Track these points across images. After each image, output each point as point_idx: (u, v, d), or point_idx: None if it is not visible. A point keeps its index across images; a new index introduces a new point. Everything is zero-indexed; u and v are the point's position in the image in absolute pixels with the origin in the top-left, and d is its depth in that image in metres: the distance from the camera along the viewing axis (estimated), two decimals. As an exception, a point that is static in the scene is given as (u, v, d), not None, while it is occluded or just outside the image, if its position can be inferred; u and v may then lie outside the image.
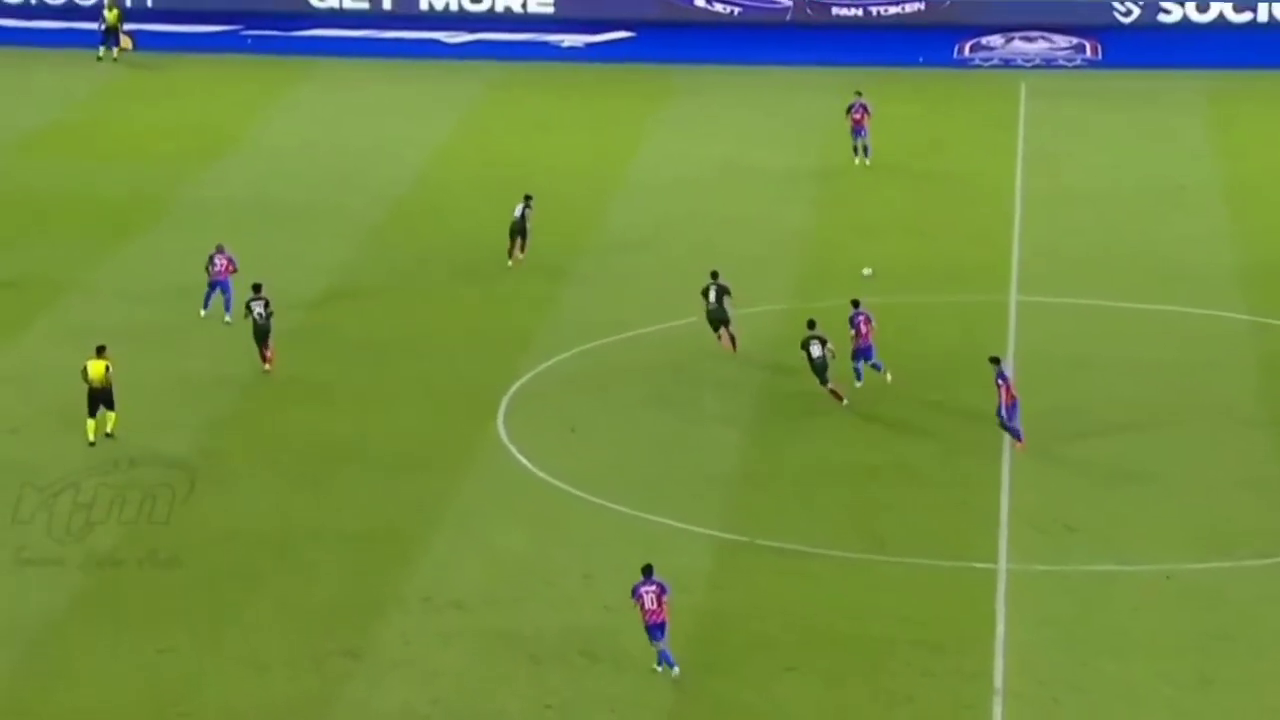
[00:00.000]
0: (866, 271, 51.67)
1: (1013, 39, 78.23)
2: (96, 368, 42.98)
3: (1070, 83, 74.27)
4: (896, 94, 70.45)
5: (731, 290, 47.83)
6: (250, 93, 71.85)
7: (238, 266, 49.92)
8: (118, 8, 75.42)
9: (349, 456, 42.70)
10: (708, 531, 39.26)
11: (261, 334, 46.99)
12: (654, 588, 34.31)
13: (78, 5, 79.75)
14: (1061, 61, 76.59)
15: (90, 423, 42.95)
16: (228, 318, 49.66)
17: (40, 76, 73.47)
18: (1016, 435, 42.21)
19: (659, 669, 34.14)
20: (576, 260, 54.82)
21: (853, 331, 45.89)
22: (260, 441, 43.55)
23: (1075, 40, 78.08)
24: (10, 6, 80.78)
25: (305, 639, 35.17)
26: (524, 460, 42.45)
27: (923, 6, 79.76)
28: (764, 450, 43.32)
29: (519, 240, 53.88)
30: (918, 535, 39.15)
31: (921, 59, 75.76)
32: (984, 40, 78.15)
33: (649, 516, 39.69)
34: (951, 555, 38.24)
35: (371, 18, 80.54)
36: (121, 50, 74.30)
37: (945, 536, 39.11)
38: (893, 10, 79.90)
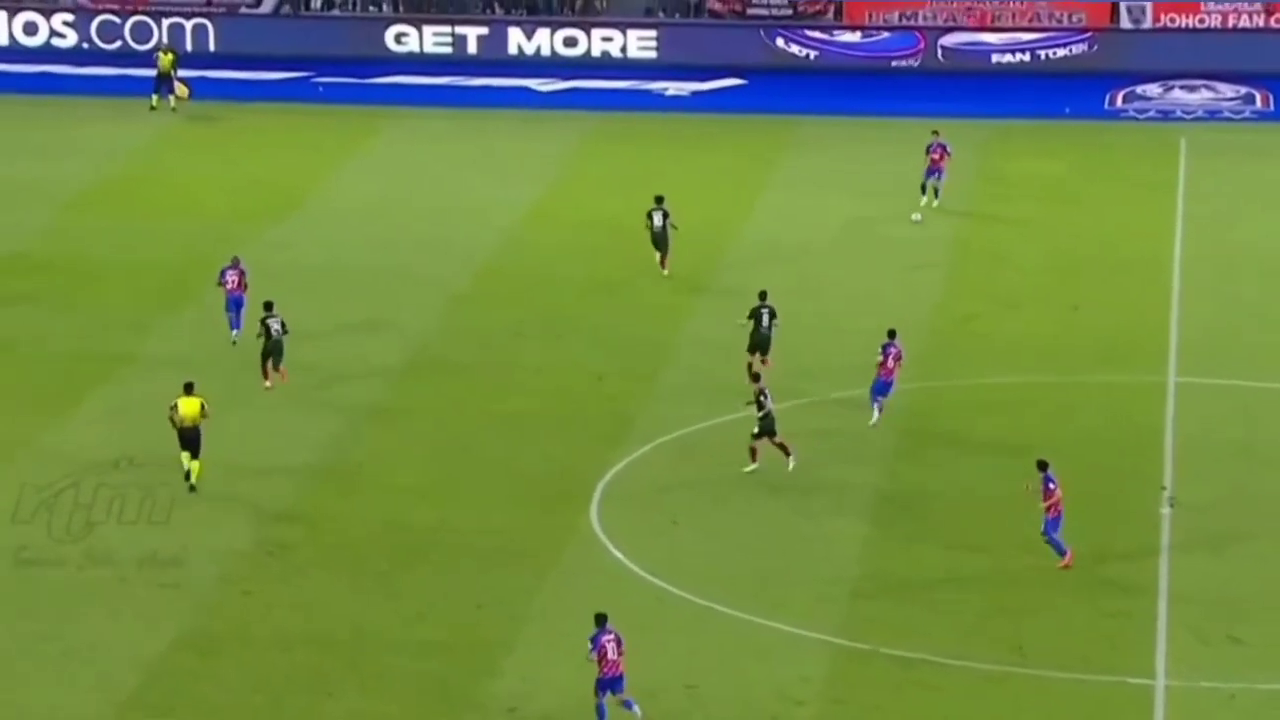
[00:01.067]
0: (916, 217, 52.04)
1: (1172, 88, 77.99)
2: (190, 405, 44.56)
3: (1237, 137, 73.91)
4: (1039, 149, 70.43)
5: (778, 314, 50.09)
6: (321, 146, 72.44)
7: (248, 282, 52.73)
8: (173, 52, 76.27)
9: (427, 550, 42.80)
10: (824, 638, 38.95)
11: (275, 350, 49.61)
12: (612, 636, 35.47)
13: (133, 50, 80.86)
14: (1227, 113, 76.24)
15: (191, 461, 44.59)
16: (235, 335, 52.42)
17: (91, 127, 74.34)
18: (1060, 550, 41.41)
19: None
20: (680, 333, 54.86)
21: (880, 359, 47.65)
22: (330, 532, 43.72)
23: (1243, 89, 77.76)
24: (60, 52, 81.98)
25: (375, 754, 35.30)
26: (619, 555, 42.44)
27: (1086, 48, 79.74)
28: (889, 547, 43.12)
29: (663, 252, 57.13)
30: (1063, 645, 38.78)
31: (1068, 110, 75.60)
32: (1139, 89, 77.93)
33: (759, 620, 39.45)
34: (1102, 668, 37.86)
35: (455, 64, 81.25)
36: (179, 99, 75.07)
37: (1095, 647, 38.74)
38: (1058, 53, 79.84)
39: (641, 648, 38.41)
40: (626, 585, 41.19)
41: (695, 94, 78.51)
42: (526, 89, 78.90)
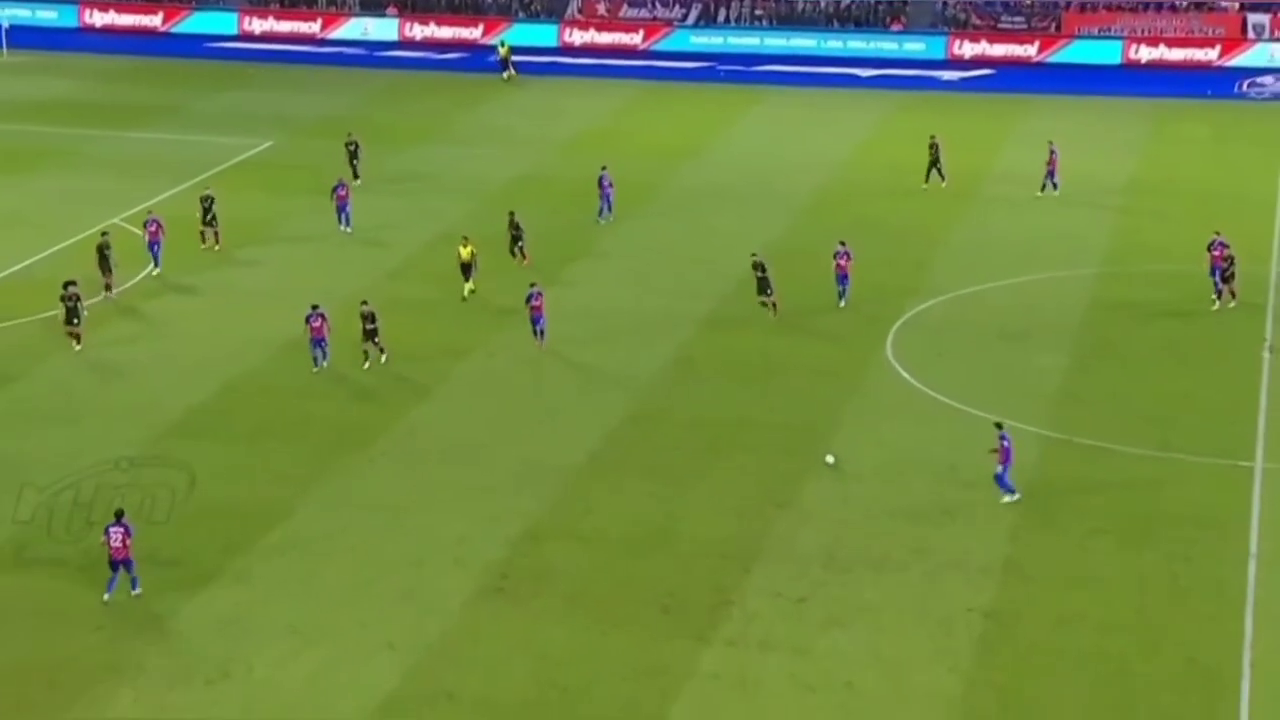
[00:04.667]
0: (829, 459, 37.34)
1: (1284, 77, 74.37)
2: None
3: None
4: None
5: None
6: (718, 113, 70.84)
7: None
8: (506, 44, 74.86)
9: (776, 370, 42.19)
10: (1038, 430, 38.25)
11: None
12: (121, 530, 29.72)
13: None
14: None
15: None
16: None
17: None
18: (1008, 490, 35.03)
19: (107, 598, 29.89)
20: (947, 232, 53.22)
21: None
22: (718, 356, 43.08)
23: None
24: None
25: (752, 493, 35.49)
26: (907, 375, 41.70)
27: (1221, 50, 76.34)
28: (1084, 374, 41.99)
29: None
30: (1197, 438, 37.82)
31: (1209, 91, 72.69)
32: (1259, 79, 74.49)
33: (993, 418, 38.10)
34: (1220, 454, 36.98)
35: (804, 58, 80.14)
36: (509, 77, 74.41)
37: (1218, 440, 37.70)
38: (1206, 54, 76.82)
39: (921, 436, 38.17)
40: (912, 396, 40.36)
41: (962, 79, 76.82)
42: (852, 75, 77.35)
